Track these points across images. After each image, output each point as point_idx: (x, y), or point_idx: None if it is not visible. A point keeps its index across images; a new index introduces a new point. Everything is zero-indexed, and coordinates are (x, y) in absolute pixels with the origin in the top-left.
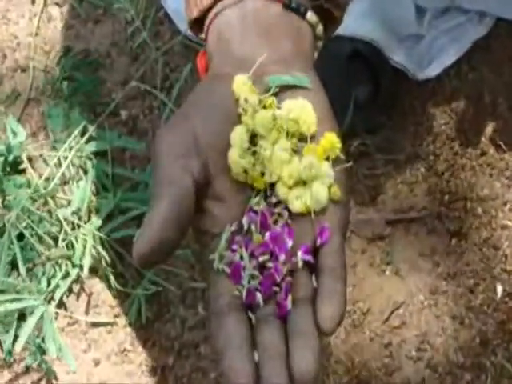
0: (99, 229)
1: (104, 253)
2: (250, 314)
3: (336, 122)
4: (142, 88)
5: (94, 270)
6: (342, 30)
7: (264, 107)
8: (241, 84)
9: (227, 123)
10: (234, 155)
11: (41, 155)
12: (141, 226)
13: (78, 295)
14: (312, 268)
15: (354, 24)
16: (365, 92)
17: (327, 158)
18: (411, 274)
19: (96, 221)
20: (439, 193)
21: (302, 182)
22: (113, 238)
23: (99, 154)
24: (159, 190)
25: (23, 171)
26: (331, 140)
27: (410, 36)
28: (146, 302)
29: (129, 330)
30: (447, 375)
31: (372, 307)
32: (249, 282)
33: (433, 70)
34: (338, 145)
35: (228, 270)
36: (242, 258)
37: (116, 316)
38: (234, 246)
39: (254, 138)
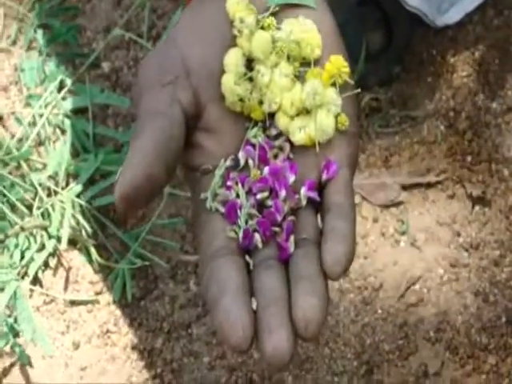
0: (79, 195)
1: (84, 222)
2: (248, 258)
3: (343, 45)
4: (127, 36)
5: (72, 242)
6: None
7: (262, 28)
8: (235, 2)
9: (220, 46)
10: (228, 82)
11: (13, 113)
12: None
13: (55, 270)
14: (317, 206)
15: None
16: (377, 40)
17: (333, 84)
18: (429, 245)
19: (75, 186)
20: (460, 154)
21: (305, 111)
22: (94, 205)
23: (78, 112)
24: (144, 121)
25: None
26: (338, 63)
27: None
28: (131, 277)
29: (112, 308)
30: (469, 358)
31: (385, 282)
32: (246, 222)
33: (453, 15)
34: (346, 69)
35: (222, 209)
36: (238, 195)
37: (98, 293)
38: (230, 183)
39: (250, 63)
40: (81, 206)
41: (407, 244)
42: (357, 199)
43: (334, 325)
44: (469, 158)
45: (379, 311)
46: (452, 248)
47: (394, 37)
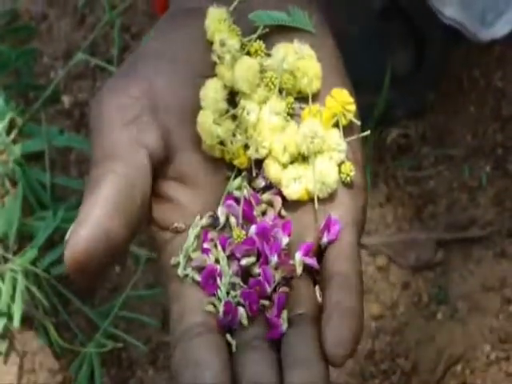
0: (34, 262)
1: (41, 296)
2: (229, 338)
3: (347, 77)
4: (92, 63)
5: (27, 321)
6: None
7: (248, 54)
8: (216, 21)
9: (196, 75)
10: (205, 121)
11: None
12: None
13: (7, 356)
14: (315, 275)
15: None
16: (405, 61)
17: (336, 125)
18: (473, 317)
19: (29, 251)
20: (511, 201)
21: (301, 158)
22: (53, 274)
23: (33, 158)
24: (100, 168)
25: None
26: (341, 98)
27: None
28: (100, 364)
29: None
30: None
31: (419, 363)
32: (228, 294)
33: (501, 28)
34: (351, 105)
35: (198, 277)
36: (217, 260)
37: None
38: (207, 245)
39: (233, 97)
40: (36, 275)
41: (446, 315)
42: (382, 261)
43: None
44: None
45: None
46: (501, 319)
47: (427, 56)
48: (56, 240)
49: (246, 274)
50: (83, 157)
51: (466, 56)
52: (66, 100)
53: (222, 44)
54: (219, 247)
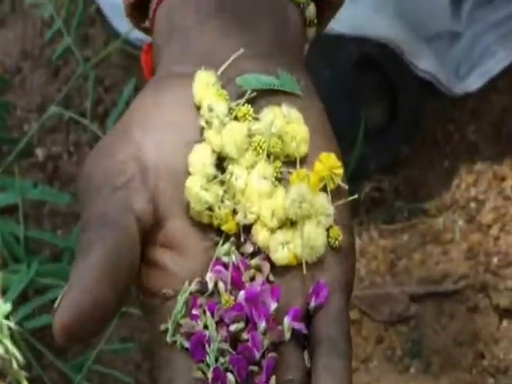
0: (7, 316)
1: (14, 349)
2: None
3: (335, 141)
4: (66, 116)
5: (1, 375)
6: (346, 28)
7: (236, 118)
8: (204, 85)
9: (184, 141)
10: (193, 186)
11: None
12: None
13: None
14: (304, 340)
15: (364, 20)
16: (378, 114)
17: (324, 189)
18: (446, 371)
19: (3, 305)
20: (484, 255)
21: (290, 223)
22: (27, 328)
23: (6, 211)
24: (89, 233)
25: None
26: (329, 163)
27: (442, 34)
28: None
29: None
30: None
31: None
32: (216, 360)
33: (475, 81)
34: (339, 170)
35: (187, 343)
36: (206, 326)
37: None
38: (195, 311)
39: (221, 162)
40: (10, 328)
41: (419, 370)
42: (355, 315)
43: None
44: (495, 260)
45: None
46: (474, 373)
47: (400, 109)
48: (30, 293)
49: (234, 339)
50: (57, 210)
51: (440, 109)
52: (40, 153)
53: (210, 109)
54: (208, 313)
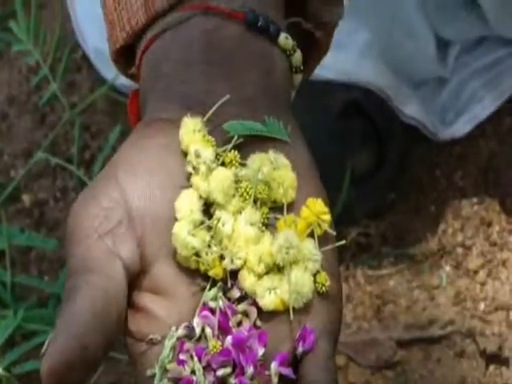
0: None
1: None
2: None
3: (322, 186)
4: (53, 162)
5: None
6: (333, 74)
7: (222, 164)
8: (191, 131)
9: (171, 187)
10: (180, 232)
11: None
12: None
13: None
14: None
15: (350, 65)
16: (365, 160)
17: (311, 235)
18: None
19: None
20: (471, 300)
21: (277, 269)
22: (14, 373)
23: None
24: (76, 280)
25: None
26: (316, 209)
27: (429, 80)
28: None
29: None
30: None
31: None
32: None
33: (462, 127)
34: (326, 216)
35: None
36: (193, 371)
37: None
38: (183, 356)
39: (208, 208)
40: None
41: None
42: (342, 360)
43: None
44: (481, 306)
45: None
46: None
47: (387, 155)
48: (17, 339)
49: None
50: (44, 256)
51: (426, 154)
52: (26, 199)
53: (197, 155)
54: (195, 358)
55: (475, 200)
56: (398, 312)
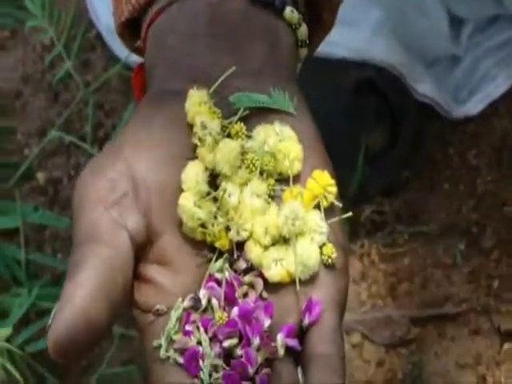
0: (8, 339)
1: (16, 373)
2: None
3: (328, 158)
4: (66, 140)
5: None
6: (346, 52)
7: (229, 136)
8: (197, 103)
9: (177, 158)
10: (186, 203)
11: None
12: None
13: None
14: (297, 356)
15: (363, 43)
16: (379, 138)
17: (317, 206)
18: None
19: (4, 329)
20: (486, 278)
21: (283, 240)
22: (28, 351)
23: (7, 235)
24: (82, 250)
25: None
26: (322, 180)
27: (442, 58)
28: None
29: None
30: None
31: None
32: (210, 376)
33: (475, 105)
34: (332, 187)
35: (181, 359)
36: (199, 342)
37: None
38: (189, 327)
39: (214, 179)
40: (11, 352)
41: None
42: (357, 338)
43: None
44: (496, 284)
45: None
46: None
47: (401, 133)
48: (31, 317)
49: (228, 355)
50: (58, 234)
51: (440, 132)
52: (41, 177)
53: (203, 126)
54: (201, 329)
55: (489, 178)
56: (412, 290)
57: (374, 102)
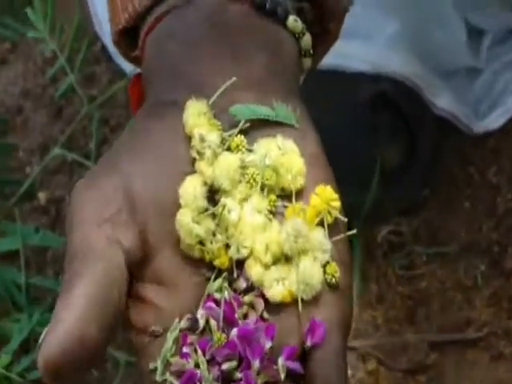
0: (8, 367)
1: None
2: None
3: (331, 173)
4: (69, 158)
5: None
6: (361, 66)
7: (228, 149)
8: (195, 114)
9: (174, 173)
10: (184, 219)
11: None
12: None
13: None
14: (299, 380)
15: (378, 56)
16: (396, 155)
17: (320, 223)
18: None
19: (4, 356)
20: (507, 301)
21: (284, 258)
22: (29, 379)
23: (7, 257)
24: (75, 267)
25: None
26: (326, 196)
27: (461, 71)
28: None
29: None
30: None
31: None
32: None
33: (496, 119)
34: (336, 202)
35: (177, 382)
36: (197, 365)
37: None
38: (186, 349)
39: (213, 195)
40: (11, 380)
41: None
42: (372, 364)
43: None
44: None
45: None
46: None
47: (419, 149)
48: (31, 343)
49: (227, 379)
50: (60, 256)
51: (459, 148)
52: (42, 196)
53: (202, 139)
54: (199, 351)
55: (510, 196)
56: (431, 313)
57: (390, 117)
